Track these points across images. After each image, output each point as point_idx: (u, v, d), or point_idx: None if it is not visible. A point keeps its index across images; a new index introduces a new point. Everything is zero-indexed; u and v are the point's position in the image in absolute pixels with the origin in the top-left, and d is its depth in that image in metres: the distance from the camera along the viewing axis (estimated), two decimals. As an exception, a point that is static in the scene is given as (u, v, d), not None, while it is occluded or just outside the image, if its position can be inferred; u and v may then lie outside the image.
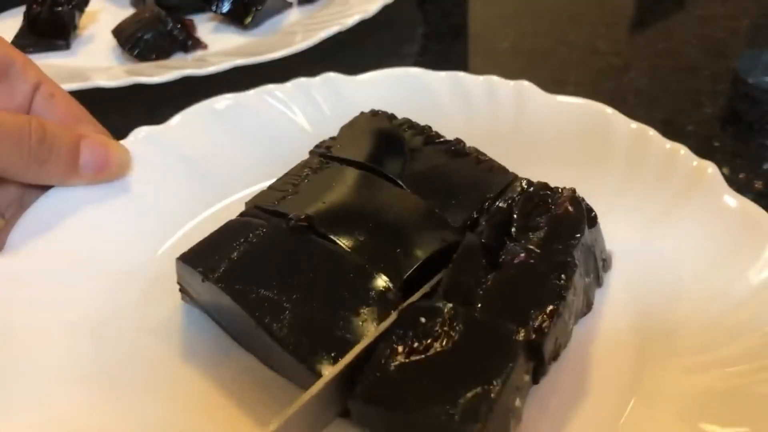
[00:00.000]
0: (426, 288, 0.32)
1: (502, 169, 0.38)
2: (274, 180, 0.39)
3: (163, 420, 0.31)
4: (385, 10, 0.65)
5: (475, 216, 0.35)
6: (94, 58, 0.66)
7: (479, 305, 0.30)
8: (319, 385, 0.27)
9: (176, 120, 0.45)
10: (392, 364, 0.27)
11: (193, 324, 0.35)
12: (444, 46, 0.66)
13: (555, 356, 0.31)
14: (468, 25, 0.71)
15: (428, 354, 0.27)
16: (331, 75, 0.49)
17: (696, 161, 0.39)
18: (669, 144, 0.40)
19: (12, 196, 0.39)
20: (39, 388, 0.31)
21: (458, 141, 0.40)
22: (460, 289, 0.30)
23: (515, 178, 0.37)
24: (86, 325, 0.34)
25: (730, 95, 0.56)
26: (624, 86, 0.57)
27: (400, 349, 0.27)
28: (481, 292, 0.30)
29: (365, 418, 0.27)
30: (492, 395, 0.25)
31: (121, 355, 0.33)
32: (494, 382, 0.25)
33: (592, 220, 0.34)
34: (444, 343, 0.27)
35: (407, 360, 0.27)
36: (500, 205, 0.35)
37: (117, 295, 0.36)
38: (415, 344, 0.27)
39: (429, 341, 0.27)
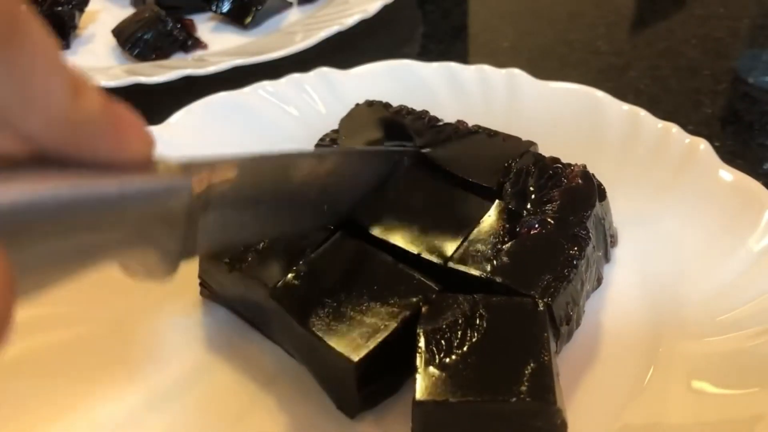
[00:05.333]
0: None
1: (517, 138, 0.39)
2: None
3: (191, 409, 0.31)
4: (385, 10, 0.65)
5: (501, 180, 0.36)
6: (94, 58, 0.66)
7: (493, 271, 0.30)
8: None
9: (174, 119, 0.45)
10: (441, 361, 0.26)
11: (215, 317, 0.36)
12: (444, 46, 0.66)
13: (570, 331, 0.32)
14: (468, 25, 0.71)
15: (468, 343, 0.27)
16: (325, 69, 0.49)
17: (688, 138, 0.39)
18: (661, 123, 0.41)
19: None
20: (64, 386, 0.31)
21: (461, 122, 0.40)
22: (475, 256, 0.31)
23: (531, 144, 0.38)
24: (106, 322, 0.35)
25: (730, 95, 0.55)
26: (624, 86, 0.57)
27: (442, 344, 0.27)
28: (495, 261, 0.31)
29: (431, 422, 0.26)
30: (547, 366, 0.25)
31: (145, 349, 0.34)
32: (543, 354, 0.26)
33: (602, 194, 0.35)
34: (477, 330, 0.27)
35: (453, 354, 0.27)
36: (520, 169, 0.36)
37: (134, 293, 0.36)
38: (452, 337, 0.27)
39: (462, 332, 0.27)
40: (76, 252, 0.19)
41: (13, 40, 0.16)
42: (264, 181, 0.28)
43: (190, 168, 0.23)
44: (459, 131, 0.39)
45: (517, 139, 0.39)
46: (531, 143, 0.38)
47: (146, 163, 0.20)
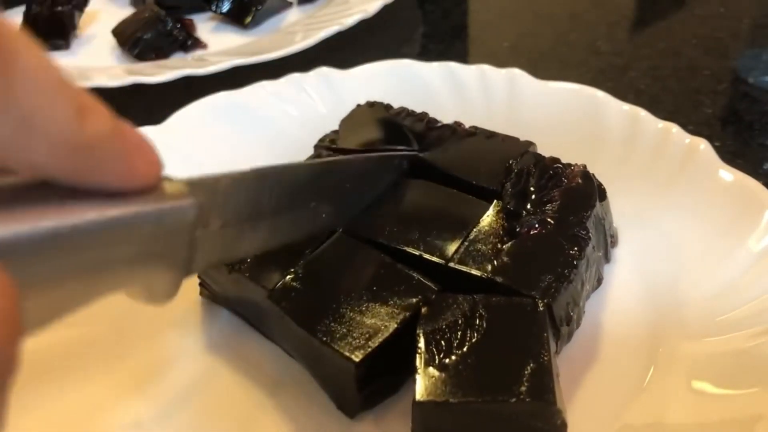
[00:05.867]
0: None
1: (515, 139, 0.39)
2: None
3: (190, 409, 0.31)
4: (385, 10, 0.65)
5: (503, 181, 0.36)
6: (94, 58, 0.66)
7: (494, 271, 0.30)
8: None
9: (173, 119, 0.45)
10: (440, 361, 0.26)
11: (215, 317, 0.36)
12: (444, 46, 0.66)
13: (570, 332, 0.32)
14: (468, 25, 0.71)
15: (468, 344, 0.27)
16: (325, 69, 0.49)
17: (689, 138, 0.39)
18: (661, 123, 0.41)
19: None
20: (63, 388, 0.31)
21: (458, 123, 0.40)
22: (475, 256, 0.31)
23: (530, 144, 0.38)
24: (106, 322, 0.34)
25: (730, 95, 0.55)
26: (624, 86, 0.57)
27: (442, 344, 0.27)
28: (495, 261, 0.31)
29: (431, 423, 0.26)
30: (547, 366, 0.25)
31: (144, 350, 0.34)
32: (542, 354, 0.26)
33: (602, 194, 0.35)
34: (477, 331, 0.27)
35: (452, 354, 0.27)
36: (521, 169, 0.36)
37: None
38: (452, 337, 0.27)
39: (462, 332, 0.27)
40: (76, 278, 0.18)
41: (7, 66, 0.14)
42: (265, 195, 0.28)
43: (195, 187, 0.22)
44: (457, 133, 0.39)
45: (516, 140, 0.38)
46: (530, 143, 0.38)
47: (153, 184, 0.20)
